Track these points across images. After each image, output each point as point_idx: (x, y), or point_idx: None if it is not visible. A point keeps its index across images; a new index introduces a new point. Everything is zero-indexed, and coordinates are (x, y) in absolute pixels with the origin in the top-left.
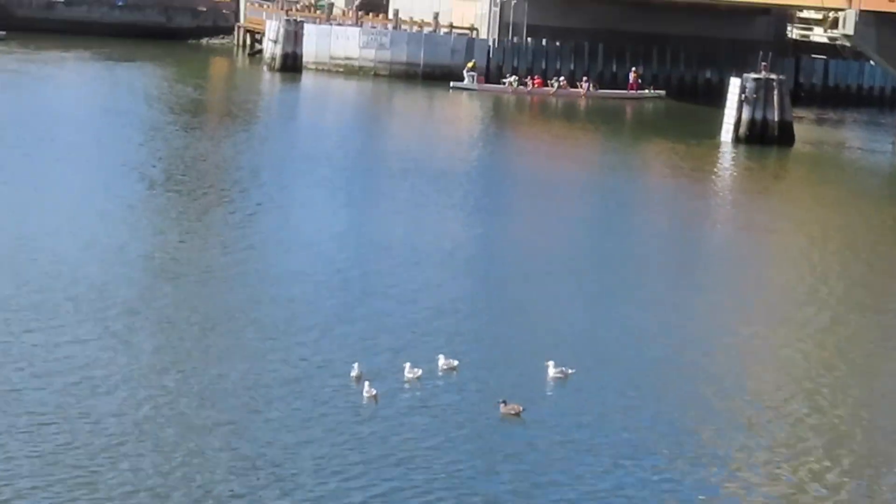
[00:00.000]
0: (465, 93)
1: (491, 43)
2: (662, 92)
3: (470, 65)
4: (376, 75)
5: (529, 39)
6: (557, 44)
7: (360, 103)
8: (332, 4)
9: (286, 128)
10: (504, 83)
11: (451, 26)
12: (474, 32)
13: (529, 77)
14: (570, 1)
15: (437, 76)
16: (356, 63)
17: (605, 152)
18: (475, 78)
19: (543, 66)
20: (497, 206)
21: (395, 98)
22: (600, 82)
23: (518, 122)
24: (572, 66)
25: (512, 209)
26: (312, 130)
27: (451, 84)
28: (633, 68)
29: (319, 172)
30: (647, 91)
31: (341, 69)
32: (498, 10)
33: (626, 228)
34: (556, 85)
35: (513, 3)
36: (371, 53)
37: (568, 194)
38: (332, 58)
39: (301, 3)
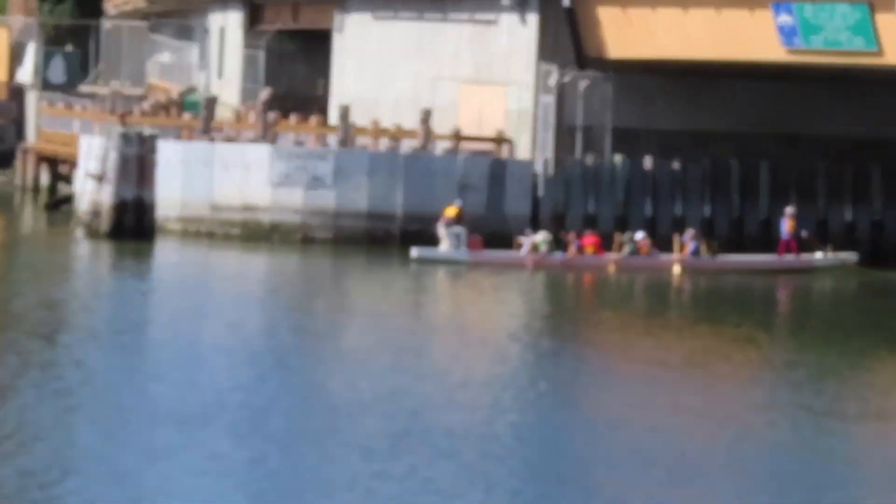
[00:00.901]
0: (442, 269)
1: (541, 168)
2: (852, 255)
3: (451, 212)
4: (306, 241)
5: (618, 157)
6: (676, 166)
7: (277, 300)
8: (213, 100)
9: (132, 362)
10: (522, 245)
11: (459, 137)
12: (505, 147)
13: (569, 233)
14: (696, 79)
15: (429, 237)
16: (266, 217)
17: (776, 395)
18: (462, 238)
19: (648, 211)
20: None
21: (343, 286)
22: (724, 237)
23: (569, 329)
24: (709, 211)
25: None
26: (188, 365)
27: (415, 253)
28: (789, 209)
29: (213, 451)
30: (819, 254)
31: (236, 230)
32: (553, 100)
33: None
34: (626, 247)
35: (581, 86)
36: (296, 197)
37: (712, 483)
38: (215, 207)
39: (153, 100)
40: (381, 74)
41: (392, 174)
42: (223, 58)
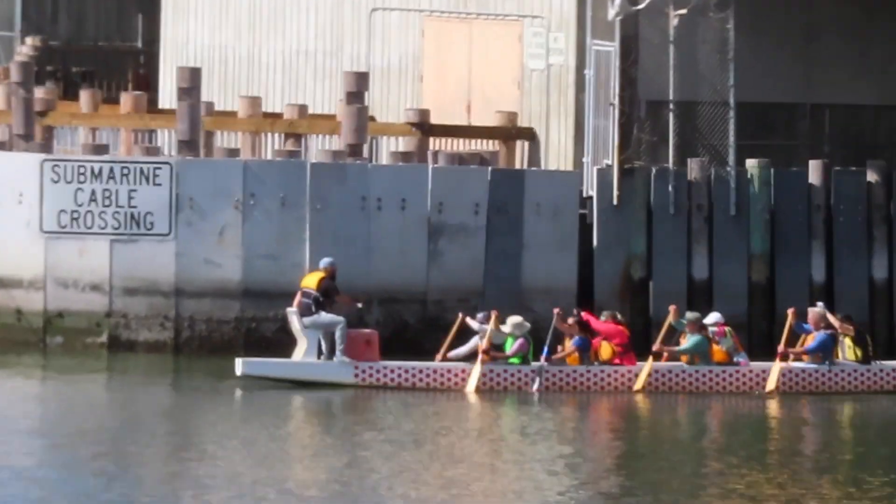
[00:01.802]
0: (299, 399)
1: (595, 188)
2: None
3: (310, 282)
4: (118, 349)
5: (754, 165)
6: (873, 178)
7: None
8: None
9: None
10: (480, 345)
11: (426, 127)
12: (519, 147)
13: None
14: None
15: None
16: (33, 302)
17: None
18: (339, 336)
19: (818, 270)
20: None
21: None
22: None
23: None
24: None
25: None
26: None
27: (242, 366)
28: None
29: None
30: None
31: None
32: (616, 51)
33: None
34: (686, 339)
35: (673, 21)
36: (96, 257)
37: None
38: None
39: None
40: (260, 6)
41: (291, 206)
42: None
